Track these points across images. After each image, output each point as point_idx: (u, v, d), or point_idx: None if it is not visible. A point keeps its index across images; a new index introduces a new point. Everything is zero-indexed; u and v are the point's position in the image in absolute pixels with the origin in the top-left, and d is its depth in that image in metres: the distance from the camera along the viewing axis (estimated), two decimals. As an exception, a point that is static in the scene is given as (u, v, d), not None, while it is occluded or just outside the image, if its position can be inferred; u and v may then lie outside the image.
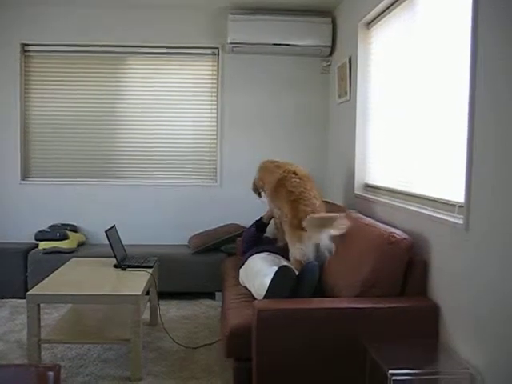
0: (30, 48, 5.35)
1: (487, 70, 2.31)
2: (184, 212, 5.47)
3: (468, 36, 2.45)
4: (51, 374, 1.62)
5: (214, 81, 5.46)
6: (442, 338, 2.68)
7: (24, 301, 3.31)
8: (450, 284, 2.64)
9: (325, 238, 3.20)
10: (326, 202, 3.80)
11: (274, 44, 5.10)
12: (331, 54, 5.27)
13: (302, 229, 3.41)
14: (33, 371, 1.70)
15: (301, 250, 3.40)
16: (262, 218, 4.32)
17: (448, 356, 2.55)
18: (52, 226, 5.18)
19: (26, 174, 5.44)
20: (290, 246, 3.54)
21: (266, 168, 4.15)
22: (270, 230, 4.41)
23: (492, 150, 2.26)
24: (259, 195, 4.35)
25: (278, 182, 3.80)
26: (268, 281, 3.03)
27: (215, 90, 5.47)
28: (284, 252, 3.82)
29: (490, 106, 2.28)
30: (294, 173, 3.79)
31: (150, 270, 3.81)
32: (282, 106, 5.48)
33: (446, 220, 2.66)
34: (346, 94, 4.65)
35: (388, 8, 3.75)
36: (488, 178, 2.29)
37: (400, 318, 2.69)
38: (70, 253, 4.89)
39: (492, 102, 2.27)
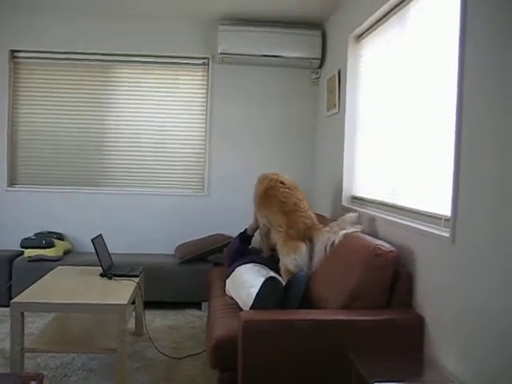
0: (19, 54, 5.34)
1: (475, 83, 2.34)
2: (171, 221, 5.45)
3: (456, 49, 2.48)
4: (34, 383, 1.60)
5: (204, 91, 5.47)
6: (428, 350, 2.69)
7: (7, 309, 3.26)
8: (435, 296, 2.65)
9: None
10: (316, 214, 3.82)
11: (264, 55, 5.13)
12: (321, 66, 5.30)
13: (299, 239, 3.43)
14: (15, 380, 1.68)
15: (294, 261, 3.41)
16: (246, 230, 4.31)
17: (433, 368, 2.56)
18: (38, 234, 5.15)
19: (12, 181, 5.41)
20: (281, 256, 3.54)
21: (257, 181, 4.14)
22: (255, 241, 4.39)
23: (479, 164, 2.29)
24: None
25: (265, 192, 3.82)
26: (255, 292, 3.02)
27: (205, 100, 5.48)
28: (270, 263, 3.82)
29: (478, 119, 2.31)
30: (282, 182, 3.81)
31: (137, 280, 3.79)
32: (271, 117, 5.50)
33: (433, 233, 2.68)
34: (334, 106, 4.67)
35: (378, 21, 3.79)
36: (475, 192, 2.31)
37: (385, 330, 2.69)
38: (56, 261, 4.84)
39: (480, 116, 2.30)
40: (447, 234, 2.53)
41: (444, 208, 2.63)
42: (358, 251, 2.98)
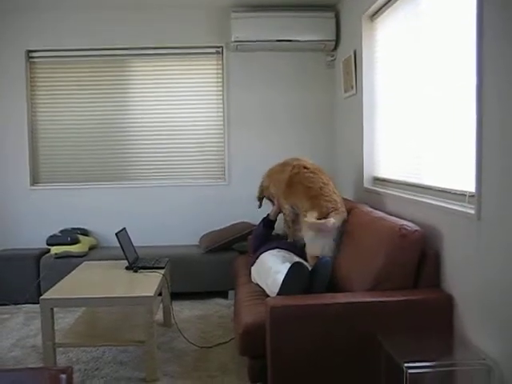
0: (35, 54, 5.37)
1: (494, 58, 2.28)
2: (194, 212, 5.47)
3: (474, 24, 2.42)
4: (64, 376, 1.62)
5: (220, 79, 5.46)
6: (457, 329, 2.66)
7: (38, 306, 3.31)
8: (463, 274, 2.61)
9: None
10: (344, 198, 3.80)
11: (278, 40, 5.09)
12: (336, 48, 5.24)
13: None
14: (46, 374, 1.70)
15: (319, 245, 3.39)
16: (268, 215, 4.30)
17: (464, 347, 2.53)
18: (63, 231, 5.20)
19: (35, 180, 5.47)
20: (306, 240, 3.53)
21: (272, 173, 4.13)
22: (279, 227, 4.38)
23: (501, 138, 2.24)
24: (260, 205, 4.37)
25: (290, 179, 3.79)
26: (281, 278, 3.02)
27: (221, 88, 5.46)
28: (295, 248, 3.81)
29: (498, 95, 2.26)
30: (305, 167, 3.77)
31: (162, 271, 3.81)
32: (288, 102, 5.47)
33: (457, 210, 2.64)
34: (351, 87, 4.62)
35: (391, -1, 3.73)
36: (498, 166, 2.26)
37: (414, 311, 2.66)
38: (82, 256, 4.90)
39: (500, 91, 2.24)
40: (472, 211, 2.48)
41: (468, 184, 2.59)
42: (382, 232, 2.94)
